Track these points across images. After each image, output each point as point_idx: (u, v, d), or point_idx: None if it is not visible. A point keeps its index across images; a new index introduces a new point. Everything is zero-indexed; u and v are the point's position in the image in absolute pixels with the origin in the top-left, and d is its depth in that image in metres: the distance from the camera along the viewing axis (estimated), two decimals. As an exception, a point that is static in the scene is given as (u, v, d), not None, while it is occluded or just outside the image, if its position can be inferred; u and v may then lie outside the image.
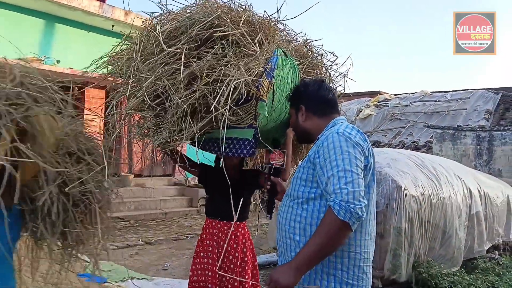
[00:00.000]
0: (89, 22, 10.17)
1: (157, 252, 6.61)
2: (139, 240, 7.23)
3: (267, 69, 2.35)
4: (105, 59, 2.77)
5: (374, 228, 2.01)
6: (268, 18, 2.54)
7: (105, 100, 2.72)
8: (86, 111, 2.60)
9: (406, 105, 13.20)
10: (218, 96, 2.13)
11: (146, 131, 2.51)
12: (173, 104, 2.23)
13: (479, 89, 13.26)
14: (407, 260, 4.80)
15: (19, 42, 9.79)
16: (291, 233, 1.94)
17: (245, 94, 2.22)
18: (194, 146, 2.36)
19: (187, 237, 7.75)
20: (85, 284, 4.26)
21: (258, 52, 2.31)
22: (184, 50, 2.30)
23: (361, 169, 1.82)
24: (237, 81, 2.14)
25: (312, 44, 3.03)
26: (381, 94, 15.13)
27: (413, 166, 5.50)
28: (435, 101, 13.12)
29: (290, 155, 2.83)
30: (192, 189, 10.64)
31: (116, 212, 9.04)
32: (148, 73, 2.34)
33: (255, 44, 2.34)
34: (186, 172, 3.16)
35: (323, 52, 3.03)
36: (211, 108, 2.13)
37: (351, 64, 2.98)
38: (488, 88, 13.29)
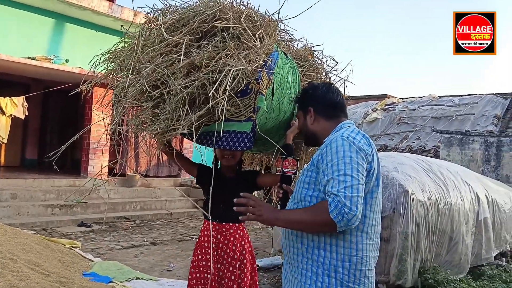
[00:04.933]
0: (98, 22, 10.24)
1: (162, 253, 6.62)
2: (145, 241, 7.25)
3: (267, 64, 2.37)
4: (107, 55, 2.79)
5: (378, 234, 1.99)
6: (270, 16, 2.56)
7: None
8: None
9: (414, 109, 13.12)
10: (217, 84, 2.16)
11: (143, 120, 2.52)
12: (172, 91, 2.26)
13: (488, 93, 13.17)
14: (413, 266, 4.76)
15: (29, 41, 9.91)
16: (294, 235, 1.96)
17: (244, 83, 2.24)
18: (191, 139, 2.35)
19: (192, 238, 7.75)
20: (90, 284, 4.27)
21: (258, 46, 2.34)
22: (185, 41, 2.33)
23: (363, 175, 1.82)
24: (236, 69, 2.17)
25: (312, 49, 3.04)
26: (388, 98, 15.06)
27: (420, 170, 5.47)
28: (443, 105, 13.03)
29: None
30: (197, 190, 10.64)
31: (122, 212, 9.09)
32: (148, 63, 2.37)
33: (256, 38, 2.38)
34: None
35: (323, 56, 3.04)
36: (209, 94, 2.16)
37: (351, 70, 2.99)
38: (497, 93, 13.19)
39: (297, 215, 1.89)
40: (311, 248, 1.89)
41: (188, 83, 2.26)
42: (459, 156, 7.93)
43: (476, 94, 13.43)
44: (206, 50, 2.31)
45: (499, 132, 8.67)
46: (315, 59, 2.98)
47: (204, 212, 2.72)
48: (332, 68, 2.97)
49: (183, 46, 2.33)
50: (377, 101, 14.34)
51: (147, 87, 2.32)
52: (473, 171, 6.98)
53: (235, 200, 1.99)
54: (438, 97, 13.84)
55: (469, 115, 12.10)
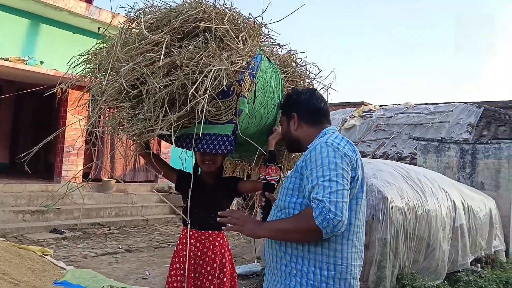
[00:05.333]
0: (75, 23, 10.02)
1: (138, 260, 6.46)
2: (119, 248, 7.07)
3: (250, 67, 2.33)
4: (86, 56, 2.71)
5: (363, 241, 1.96)
6: (253, 20, 2.52)
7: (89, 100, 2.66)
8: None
9: (390, 117, 13.30)
10: (197, 84, 2.11)
11: (121, 121, 2.44)
12: (151, 91, 2.20)
13: (462, 102, 13.46)
14: (391, 272, 4.78)
15: (1, 41, 9.59)
16: (277, 243, 1.90)
17: (226, 85, 2.20)
18: (169, 141, 2.29)
19: (169, 245, 7.61)
20: (62, 293, 4.12)
21: (241, 48, 2.31)
22: (166, 40, 2.28)
23: (347, 181, 1.80)
24: (218, 68, 2.13)
25: (296, 55, 3.02)
26: (365, 105, 15.23)
27: (398, 177, 5.51)
28: (419, 113, 13.25)
29: None
30: (175, 196, 10.49)
31: (96, 218, 8.87)
32: (127, 62, 2.31)
33: (239, 41, 2.35)
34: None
35: (307, 63, 3.02)
36: (189, 95, 2.11)
37: (334, 78, 2.98)
38: (471, 102, 13.50)
39: (282, 225, 1.85)
40: (295, 257, 1.84)
41: (168, 82, 2.21)
42: (436, 163, 8.05)
43: (450, 103, 13.71)
44: (187, 50, 2.27)
45: (474, 140, 8.84)
46: (299, 65, 2.96)
47: (184, 218, 2.63)
48: (316, 75, 2.95)
49: (164, 45, 2.29)
50: (355, 108, 14.48)
51: (125, 86, 2.26)
52: (449, 178, 7.08)
53: (219, 213, 1.96)
54: (414, 105, 14.08)
55: (444, 123, 12.34)
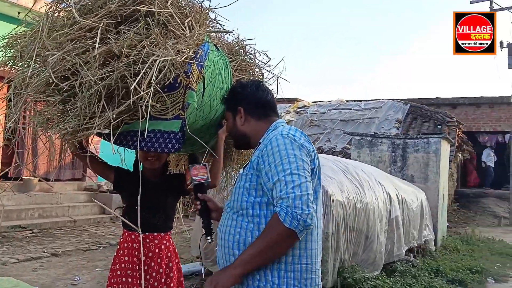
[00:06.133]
0: (-10, 7, 9.12)
1: (65, 265, 6.00)
2: (45, 252, 6.54)
3: (198, 56, 2.15)
4: (5, 40, 2.36)
5: (321, 236, 1.88)
6: (199, 4, 2.33)
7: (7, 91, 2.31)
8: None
9: (324, 112, 13.64)
10: (140, 76, 1.89)
11: (50, 117, 2.14)
12: (85, 84, 1.94)
13: (390, 99, 14.11)
14: (333, 266, 4.79)
15: None
16: (235, 248, 1.74)
17: (172, 76, 2.00)
18: (108, 139, 2.04)
19: (100, 247, 7.18)
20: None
21: (188, 35, 2.12)
22: (101, 25, 2.02)
23: (309, 172, 1.71)
24: (163, 59, 1.92)
25: (244, 43, 2.86)
26: (298, 101, 15.49)
27: (338, 171, 5.56)
28: (350, 109, 13.72)
29: (222, 158, 2.61)
30: (104, 194, 9.93)
31: (17, 220, 8.15)
32: (56, 50, 2.03)
33: (184, 27, 2.14)
34: (98, 176, 2.74)
35: (256, 51, 2.87)
36: (131, 88, 1.89)
37: (284, 67, 2.86)
38: (398, 99, 14.19)
39: (253, 250, 1.66)
40: None
41: (105, 74, 1.95)
42: (369, 157, 8.29)
43: (379, 99, 14.32)
44: (126, 37, 2.02)
45: (405, 135, 9.24)
46: (247, 54, 2.79)
47: (124, 220, 2.35)
48: (265, 64, 2.80)
49: (99, 31, 2.02)
50: (290, 104, 14.66)
51: (53, 78, 1.97)
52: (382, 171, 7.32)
53: None
54: (345, 101, 14.54)
55: (374, 119, 12.87)
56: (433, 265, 6.30)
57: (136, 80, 1.89)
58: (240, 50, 2.78)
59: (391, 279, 5.33)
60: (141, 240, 2.38)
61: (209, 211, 2.11)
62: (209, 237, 2.06)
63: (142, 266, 2.40)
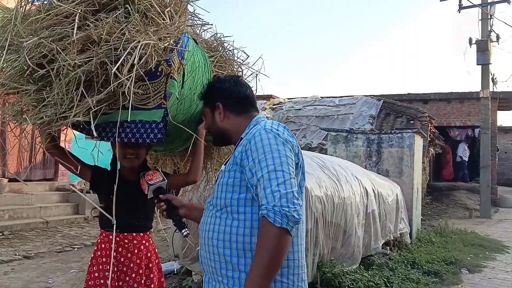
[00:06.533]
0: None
1: (38, 267, 5.82)
2: (16, 254, 6.33)
3: (178, 46, 2.10)
4: None
5: (304, 232, 1.86)
6: None
7: None
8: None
9: (299, 109, 13.70)
10: (120, 62, 1.84)
11: (23, 108, 2.05)
12: (62, 70, 1.87)
13: (364, 95, 14.28)
14: (312, 261, 4.80)
15: None
16: (220, 247, 1.69)
17: (154, 63, 1.94)
18: (86, 131, 1.97)
19: (74, 248, 7.00)
20: None
21: (168, 23, 2.08)
22: (79, 11, 1.96)
23: (293, 168, 1.67)
24: (145, 43, 1.88)
25: (223, 39, 2.82)
26: (273, 98, 15.50)
27: (316, 167, 5.57)
28: (325, 105, 13.83)
29: (202, 154, 2.56)
30: (78, 194, 9.70)
31: (-15, 223, 7.87)
32: (31, 37, 1.95)
33: (165, 16, 2.11)
34: (70, 175, 2.62)
35: (234, 48, 2.84)
36: (110, 75, 1.83)
37: (262, 64, 2.83)
38: (371, 95, 14.38)
39: (259, 267, 1.56)
40: (242, 259, 1.65)
41: (84, 60, 1.89)
42: (345, 152, 8.36)
43: (353, 96, 14.48)
44: (106, 23, 1.96)
45: (379, 130, 9.35)
46: (226, 50, 2.75)
47: (111, 219, 2.26)
48: (243, 61, 2.76)
49: (77, 17, 1.96)
50: (265, 101, 14.65)
51: (30, 63, 1.89)
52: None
53: None
54: (320, 98, 14.65)
55: (348, 115, 13.01)
56: (409, 257, 6.41)
57: (117, 65, 1.84)
58: (219, 47, 2.74)
59: (369, 272, 5.38)
60: (114, 236, 2.29)
61: (175, 208, 2.05)
62: (184, 230, 1.99)
63: (111, 264, 2.32)
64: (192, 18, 2.60)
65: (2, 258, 6.08)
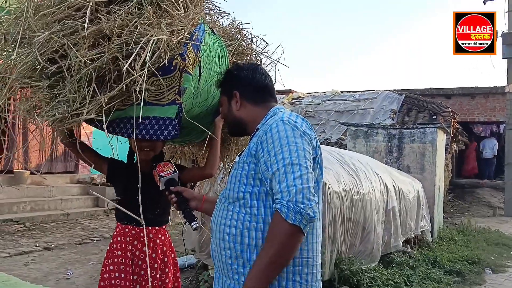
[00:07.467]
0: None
1: (58, 259, 5.91)
2: (37, 246, 6.44)
3: (193, 38, 2.05)
4: None
5: (321, 229, 1.78)
6: None
7: None
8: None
9: (318, 104, 13.55)
10: (132, 58, 1.79)
11: (38, 103, 2.03)
12: (74, 66, 1.84)
13: (385, 90, 14.03)
14: (330, 258, 4.72)
15: None
16: (232, 242, 1.63)
17: (167, 57, 1.90)
18: (100, 126, 1.94)
19: (93, 240, 7.09)
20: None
21: (183, 14, 2.02)
22: (91, 4, 1.92)
23: (310, 162, 1.60)
24: (157, 38, 1.83)
25: (241, 27, 2.74)
26: (292, 93, 15.38)
27: (334, 162, 5.48)
28: (345, 100, 13.65)
29: (219, 147, 2.51)
30: (98, 187, 9.81)
31: (8, 214, 8.03)
32: (43, 31, 1.93)
33: (179, 7, 2.04)
34: (90, 168, 2.61)
35: (253, 36, 2.75)
36: (123, 71, 1.79)
37: (282, 52, 2.74)
38: (393, 89, 14.12)
39: (264, 259, 1.51)
40: (254, 256, 1.58)
41: (95, 55, 1.85)
42: (365, 147, 8.21)
43: (374, 90, 14.24)
44: (118, 16, 1.92)
45: (400, 125, 9.17)
46: (244, 38, 2.67)
47: (129, 213, 2.24)
48: (262, 49, 2.68)
49: (88, 10, 1.91)
50: (284, 95, 14.54)
51: (41, 60, 1.87)
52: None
53: None
54: (340, 92, 14.46)
55: (369, 110, 12.80)
56: (430, 256, 6.26)
57: (129, 61, 1.79)
58: (237, 35, 2.67)
59: (389, 270, 5.28)
60: (145, 232, 2.27)
61: (187, 200, 2.00)
62: (193, 223, 1.95)
63: (145, 258, 2.31)
64: (209, 6, 2.54)
65: (23, 249, 6.20)
